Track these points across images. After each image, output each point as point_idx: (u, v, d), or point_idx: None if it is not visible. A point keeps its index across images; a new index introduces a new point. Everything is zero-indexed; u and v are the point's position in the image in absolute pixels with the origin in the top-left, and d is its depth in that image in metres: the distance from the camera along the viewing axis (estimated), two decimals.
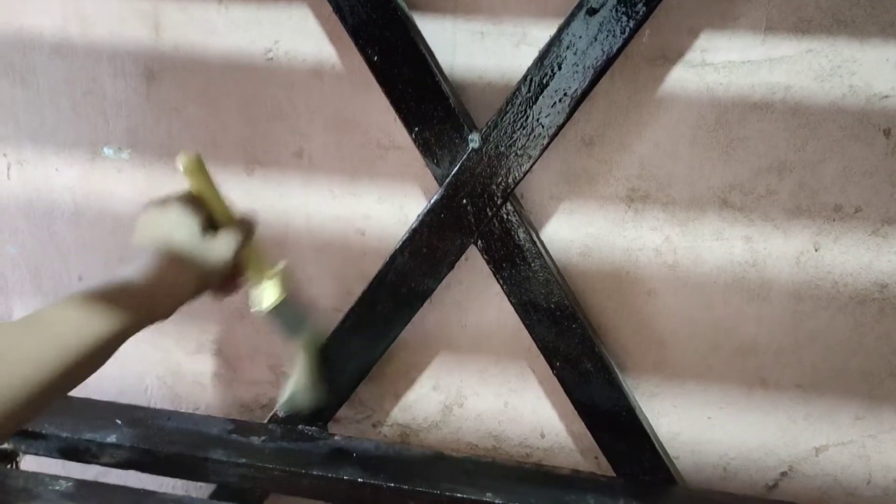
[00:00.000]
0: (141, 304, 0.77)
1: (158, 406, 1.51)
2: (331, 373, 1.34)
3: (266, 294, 0.98)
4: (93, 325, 0.72)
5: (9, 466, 1.41)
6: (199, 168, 0.90)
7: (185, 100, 1.28)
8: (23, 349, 0.67)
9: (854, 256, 1.16)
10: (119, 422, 1.35)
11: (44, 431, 1.31)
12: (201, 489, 1.53)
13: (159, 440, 1.31)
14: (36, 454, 1.35)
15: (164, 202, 0.87)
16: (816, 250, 1.17)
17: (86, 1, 1.25)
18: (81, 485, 1.23)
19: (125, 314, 0.75)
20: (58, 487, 1.22)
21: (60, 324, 0.70)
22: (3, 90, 1.33)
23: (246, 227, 0.93)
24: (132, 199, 1.36)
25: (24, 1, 1.27)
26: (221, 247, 0.88)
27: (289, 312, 1.01)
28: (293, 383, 1.09)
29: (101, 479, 1.34)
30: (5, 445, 1.35)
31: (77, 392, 1.44)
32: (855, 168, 1.12)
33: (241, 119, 1.28)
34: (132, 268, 0.80)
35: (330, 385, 1.34)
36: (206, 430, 1.35)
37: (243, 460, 1.28)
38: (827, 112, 1.11)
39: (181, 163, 0.89)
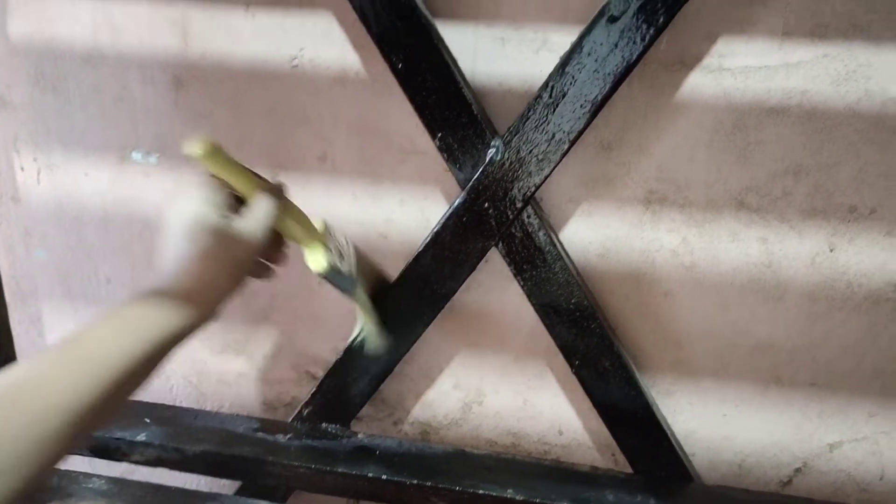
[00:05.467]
0: (182, 308, 0.71)
1: (184, 405, 1.54)
2: (354, 373, 1.37)
3: (314, 258, 0.96)
4: (132, 342, 0.67)
5: None
6: (215, 151, 0.81)
7: (211, 106, 1.31)
8: (57, 378, 0.61)
9: (869, 257, 1.19)
10: (147, 420, 1.38)
11: None
12: (225, 486, 1.57)
13: (187, 438, 1.35)
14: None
15: (182, 194, 0.81)
16: (831, 251, 1.20)
17: (116, 10, 1.28)
18: (114, 482, 1.26)
19: (168, 323, 0.70)
20: (91, 485, 1.25)
21: (97, 345, 0.65)
22: (35, 97, 1.36)
23: (276, 194, 0.87)
24: (160, 202, 1.39)
25: (55, 11, 1.30)
26: (254, 220, 0.82)
27: (340, 269, 0.98)
28: (361, 331, 1.12)
29: (128, 478, 1.37)
30: None
31: None
32: (870, 170, 1.15)
33: (266, 124, 1.31)
34: (166, 271, 0.74)
35: (353, 385, 1.38)
36: (233, 429, 1.38)
37: (269, 458, 1.31)
38: (842, 116, 1.13)
39: (196, 149, 0.78)
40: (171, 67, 1.30)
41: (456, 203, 1.22)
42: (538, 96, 1.14)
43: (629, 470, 1.35)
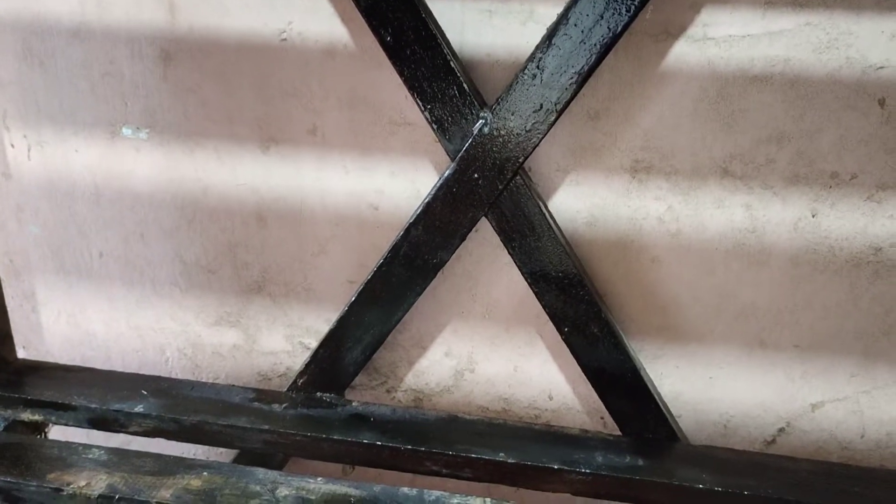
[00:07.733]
0: None
1: (180, 377, 1.56)
2: (347, 343, 1.39)
3: None
4: None
5: (38, 437, 1.46)
6: None
7: (201, 80, 1.31)
8: None
9: (850, 221, 1.21)
10: (145, 392, 1.40)
11: (73, 403, 1.37)
12: (222, 455, 1.59)
13: (184, 409, 1.37)
14: (66, 425, 1.41)
15: None
16: (814, 216, 1.22)
17: None
18: (114, 452, 1.28)
19: None
20: (91, 455, 1.27)
21: None
22: (23, 74, 1.36)
23: None
24: (151, 177, 1.40)
25: None
26: None
27: None
28: None
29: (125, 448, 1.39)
30: (35, 416, 1.40)
31: (101, 365, 1.51)
32: (851, 137, 1.17)
33: (255, 98, 1.31)
34: None
35: (346, 354, 1.40)
36: (229, 399, 1.41)
37: (266, 427, 1.33)
38: (824, 83, 1.15)
39: None
40: (159, 41, 1.30)
41: (446, 174, 1.23)
42: (525, 67, 1.15)
43: (618, 432, 1.38)
